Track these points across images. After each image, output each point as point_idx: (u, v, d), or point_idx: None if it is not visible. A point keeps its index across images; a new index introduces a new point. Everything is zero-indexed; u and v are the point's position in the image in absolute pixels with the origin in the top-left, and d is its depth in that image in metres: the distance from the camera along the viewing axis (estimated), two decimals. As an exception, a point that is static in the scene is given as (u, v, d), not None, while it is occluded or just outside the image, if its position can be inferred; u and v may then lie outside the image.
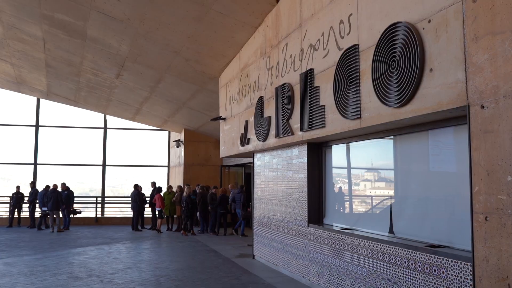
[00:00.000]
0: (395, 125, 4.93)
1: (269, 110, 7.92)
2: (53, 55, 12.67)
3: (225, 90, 10.84)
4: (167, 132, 20.46)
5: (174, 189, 16.18)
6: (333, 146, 6.91)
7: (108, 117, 19.53)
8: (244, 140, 9.15)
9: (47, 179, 18.65)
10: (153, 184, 16.20)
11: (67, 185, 16.17)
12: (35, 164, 19.13)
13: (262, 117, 8.19)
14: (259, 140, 8.29)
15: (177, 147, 18.55)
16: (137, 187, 15.63)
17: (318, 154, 7.10)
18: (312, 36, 6.40)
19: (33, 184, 17.34)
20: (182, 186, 15.76)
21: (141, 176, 19.95)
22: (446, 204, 4.77)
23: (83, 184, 20.76)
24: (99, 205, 18.84)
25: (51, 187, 15.49)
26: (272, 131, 7.73)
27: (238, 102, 9.74)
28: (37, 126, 19.16)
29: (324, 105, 5.98)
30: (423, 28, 4.15)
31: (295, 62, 6.92)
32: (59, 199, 15.32)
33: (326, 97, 5.93)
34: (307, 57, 6.51)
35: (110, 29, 10.12)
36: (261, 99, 8.31)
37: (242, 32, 8.91)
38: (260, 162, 9.12)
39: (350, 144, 6.40)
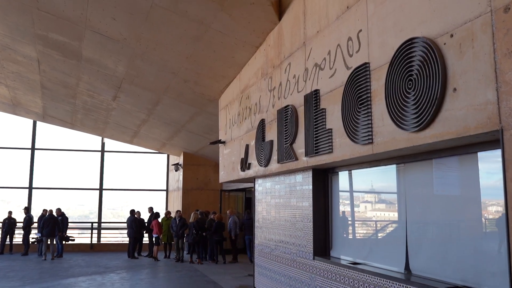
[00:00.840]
0: (411, 151, 4.45)
1: (271, 134, 7.46)
2: (48, 76, 12.30)
3: (224, 113, 10.41)
4: (165, 155, 20.01)
5: (173, 215, 15.63)
6: (340, 173, 6.43)
7: (106, 140, 19.12)
8: (245, 165, 8.67)
9: (45, 203, 18.20)
10: (151, 209, 15.65)
11: (62, 210, 15.63)
12: (30, 188, 18.63)
13: (264, 141, 7.73)
14: (261, 165, 7.81)
15: (176, 170, 18.06)
16: (133, 213, 15.06)
17: (324, 180, 6.61)
18: (317, 55, 5.99)
19: (27, 209, 16.77)
20: (181, 211, 15.20)
21: (141, 200, 19.47)
22: (471, 238, 4.26)
23: (83, 207, 20.27)
24: (95, 231, 18.25)
25: (48, 213, 14.92)
26: (275, 156, 7.26)
27: (239, 125, 9.30)
28: (33, 149, 18.73)
29: (331, 129, 5.52)
30: (444, 44, 3.72)
31: (299, 83, 6.50)
32: (56, 226, 14.75)
33: (334, 120, 5.47)
34: (312, 77, 6.08)
35: (106, 50, 9.76)
36: (262, 122, 7.87)
37: (243, 52, 8.52)
38: (261, 188, 8.62)
39: (359, 170, 5.91)
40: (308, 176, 6.66)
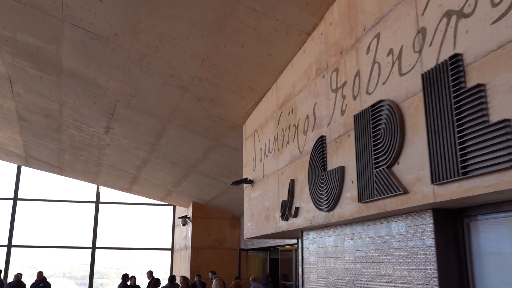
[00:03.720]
0: None
1: (340, 157, 4.63)
2: (24, 102, 9.72)
3: (252, 142, 7.63)
4: (171, 207, 17.06)
5: (178, 281, 12.47)
6: (480, 218, 3.52)
7: (102, 189, 16.29)
8: (289, 210, 5.77)
9: (38, 264, 15.40)
10: (150, 274, 12.46)
11: (44, 274, 12.49)
12: (9, 246, 15.62)
13: (325, 170, 4.88)
14: (320, 209, 4.91)
15: (183, 225, 15.04)
16: (125, 278, 11.87)
17: (455, 232, 3.67)
18: (449, -4, 3.27)
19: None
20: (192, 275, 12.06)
21: (148, 259, 16.53)
22: None
23: (87, 266, 17.18)
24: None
25: (14, 278, 11.85)
26: (349, 192, 4.38)
27: (276, 155, 6.48)
28: (15, 199, 15.89)
29: (509, 120, 2.69)
30: None
31: (403, 59, 3.74)
32: None
33: (515, 101, 2.66)
34: (440, 38, 3.33)
35: (92, 55, 7.19)
36: (321, 141, 5.05)
37: (285, 44, 5.86)
38: (315, 246, 5.65)
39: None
40: (423, 223, 3.73)
